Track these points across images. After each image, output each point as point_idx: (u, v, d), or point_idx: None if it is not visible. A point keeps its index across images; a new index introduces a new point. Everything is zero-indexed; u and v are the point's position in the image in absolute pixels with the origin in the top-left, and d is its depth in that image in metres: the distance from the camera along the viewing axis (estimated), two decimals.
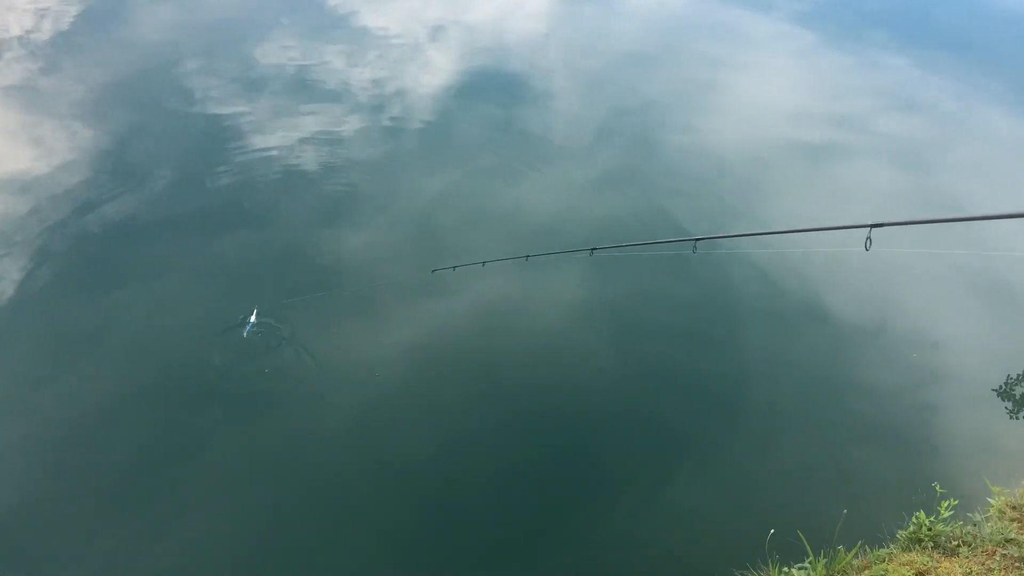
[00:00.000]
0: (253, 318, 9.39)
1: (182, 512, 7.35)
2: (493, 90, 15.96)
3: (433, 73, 16.35)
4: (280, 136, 13.53)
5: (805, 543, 5.32)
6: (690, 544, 7.24)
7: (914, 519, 5.34)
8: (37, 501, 7.40)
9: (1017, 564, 4.89)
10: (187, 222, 11.22)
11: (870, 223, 4.86)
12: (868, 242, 4.85)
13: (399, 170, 13.01)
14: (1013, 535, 5.12)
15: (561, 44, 18.57)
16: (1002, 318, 10.26)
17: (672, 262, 10.85)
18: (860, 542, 5.38)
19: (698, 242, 6.53)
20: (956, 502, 5.31)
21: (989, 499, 5.71)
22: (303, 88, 15.28)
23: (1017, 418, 8.69)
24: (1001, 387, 9.06)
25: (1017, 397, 8.94)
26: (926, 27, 20.04)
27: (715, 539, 7.17)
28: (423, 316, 9.89)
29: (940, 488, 5.38)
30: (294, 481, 7.75)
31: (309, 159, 12.94)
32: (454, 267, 9.62)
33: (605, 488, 7.78)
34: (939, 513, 5.31)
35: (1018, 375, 9.16)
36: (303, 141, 13.43)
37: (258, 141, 13.33)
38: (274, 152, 13.05)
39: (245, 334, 9.30)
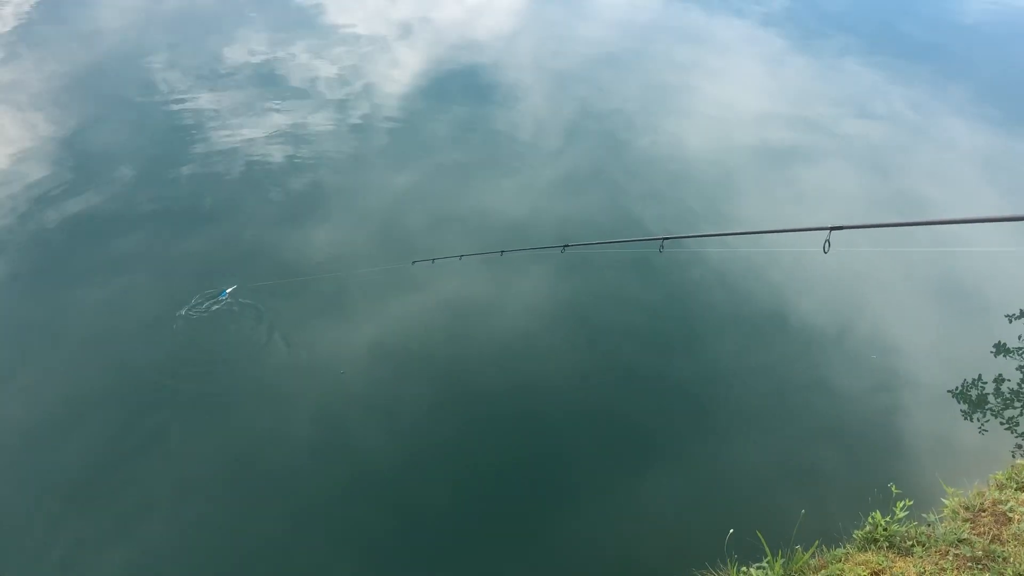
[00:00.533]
0: (230, 290, 9.38)
1: (143, 512, 7.27)
2: (461, 89, 15.97)
3: (401, 71, 16.32)
4: (246, 131, 13.45)
5: (764, 543, 5.38)
6: (651, 544, 7.28)
7: (870, 519, 5.41)
8: None
9: (969, 564, 4.98)
10: (150, 217, 11.11)
11: (829, 226, 4.94)
12: (827, 244, 4.93)
13: (366, 167, 12.97)
14: (965, 535, 5.21)
15: (529, 44, 18.61)
16: (958, 321, 10.43)
17: (638, 264, 10.93)
18: (817, 542, 5.45)
19: (665, 241, 6.61)
20: (911, 502, 5.39)
21: (943, 499, 5.81)
22: (270, 83, 15.19)
23: (971, 420, 8.84)
24: (957, 389, 9.22)
25: (973, 399, 9.10)
26: (889, 34, 20.33)
27: (675, 539, 7.23)
28: (389, 315, 9.87)
29: (896, 488, 5.47)
30: (257, 480, 7.70)
31: (275, 155, 12.87)
32: (412, 261, 9.73)
33: (568, 488, 7.80)
34: (894, 513, 5.40)
35: (973, 379, 9.33)
36: (269, 137, 13.35)
37: (223, 136, 13.23)
38: (240, 147, 12.96)
39: (221, 297, 9.28)
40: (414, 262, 9.93)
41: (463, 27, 19.19)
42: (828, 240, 4.90)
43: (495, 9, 20.70)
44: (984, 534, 5.23)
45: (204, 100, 14.35)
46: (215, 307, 9.59)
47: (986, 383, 9.27)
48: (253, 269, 10.30)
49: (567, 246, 7.94)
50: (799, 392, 9.17)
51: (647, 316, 10.29)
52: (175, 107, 14.04)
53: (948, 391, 9.21)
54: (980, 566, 4.94)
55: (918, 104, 16.51)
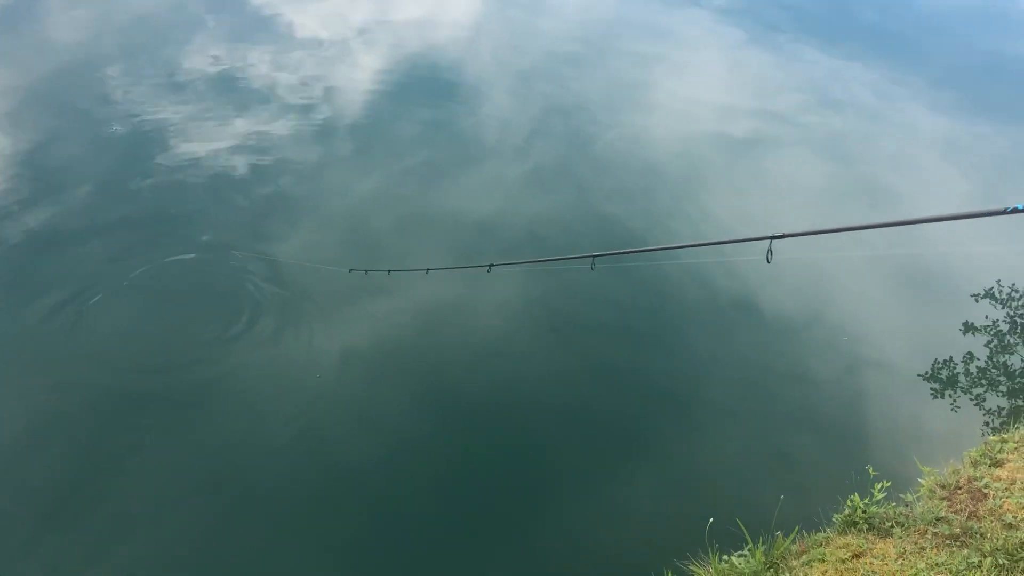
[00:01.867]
0: None
1: (119, 531, 7.09)
2: (424, 90, 15.87)
3: (363, 74, 16.20)
4: (208, 140, 13.26)
5: (744, 531, 5.39)
6: (632, 538, 7.26)
7: (849, 502, 5.43)
8: None
9: (948, 542, 5.01)
10: (111, 230, 10.92)
11: (770, 235, 4.92)
12: (769, 254, 4.90)
13: (332, 172, 12.84)
14: (943, 514, 5.24)
15: (490, 44, 18.56)
16: (924, 305, 10.53)
17: (604, 259, 10.89)
18: (797, 527, 5.46)
19: (596, 258, 6.56)
20: (888, 484, 5.42)
21: (920, 479, 5.85)
22: (230, 91, 15.01)
23: (943, 398, 8.94)
24: (927, 372, 9.32)
25: (943, 379, 9.19)
26: (846, 23, 20.55)
27: (656, 531, 7.20)
28: (362, 319, 9.79)
29: (873, 471, 5.49)
30: (235, 491, 7.56)
31: (239, 163, 12.70)
32: (389, 271, 9.64)
33: (548, 487, 7.77)
34: (873, 495, 5.42)
35: (944, 360, 9.43)
36: (232, 145, 13.17)
37: (184, 146, 13.04)
38: (202, 156, 12.78)
39: None
40: (367, 271, 9.89)
41: (423, 28, 19.09)
42: (770, 249, 4.89)
43: (455, 10, 20.62)
44: (961, 511, 5.27)
45: (163, 110, 14.12)
46: (184, 316, 9.46)
47: (956, 364, 9.39)
48: (220, 278, 10.18)
49: (492, 265, 7.95)
50: (772, 381, 9.21)
51: (619, 312, 10.29)
52: (134, 118, 13.80)
53: (918, 374, 9.30)
54: (959, 543, 4.97)
55: (878, 91, 16.69)
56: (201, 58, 16.16)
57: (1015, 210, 4.04)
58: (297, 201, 11.93)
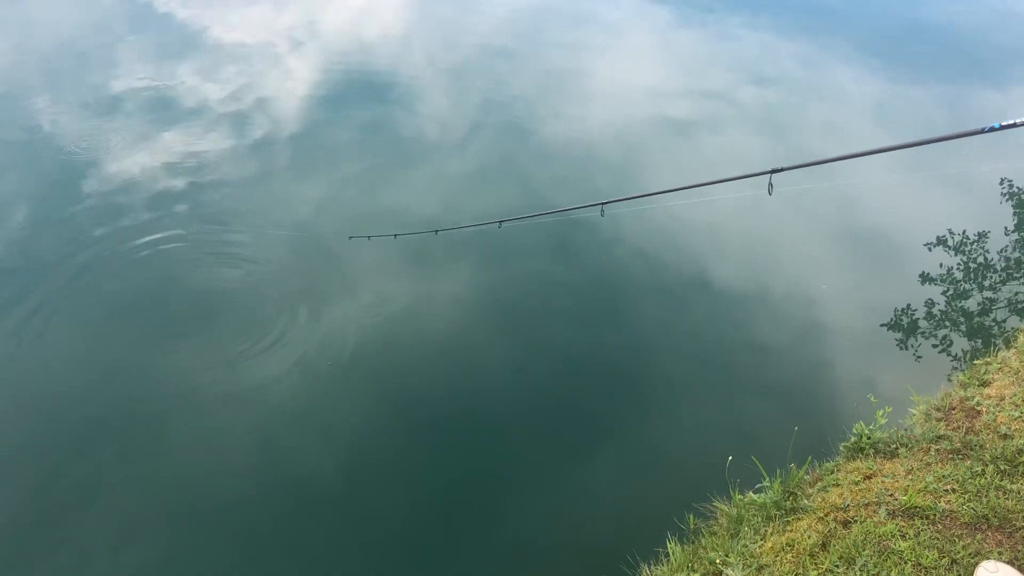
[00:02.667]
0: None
1: (83, 563, 6.92)
2: (359, 94, 15.87)
3: (296, 83, 16.14)
4: (142, 160, 12.96)
5: (760, 466, 5.66)
6: (610, 525, 7.19)
7: (854, 429, 5.74)
8: None
9: (950, 456, 5.34)
10: (46, 260, 10.67)
11: (770, 169, 5.27)
12: (770, 188, 5.24)
13: (272, 182, 12.71)
14: (942, 432, 5.58)
15: (421, 43, 18.66)
16: (882, 260, 10.91)
17: (555, 245, 11.05)
18: (810, 457, 5.75)
19: (606, 205, 6.79)
20: (890, 409, 5.74)
21: (912, 410, 6.19)
22: (161, 109, 14.73)
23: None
24: (890, 320, 9.69)
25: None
26: None
27: (634, 516, 7.08)
28: (312, 326, 9.70)
29: (874, 399, 5.80)
30: (199, 515, 7.40)
31: (176, 181, 12.50)
32: (395, 235, 9.60)
33: (519, 481, 7.70)
34: (876, 421, 5.74)
35: (903, 308, 9.84)
36: (167, 164, 12.91)
37: (117, 168, 12.75)
38: (138, 177, 12.51)
39: None
40: (350, 237, 9.90)
41: (352, 32, 19.09)
42: (771, 183, 5.22)
43: (381, 11, 20.67)
44: (959, 428, 5.61)
45: (93, 133, 13.85)
46: (135, 339, 9.32)
47: (918, 311, 9.79)
48: (168, 300, 10.07)
49: (503, 221, 8.05)
50: (741, 350, 9.40)
51: (571, 297, 10.39)
52: (63, 143, 13.54)
53: (883, 324, 9.63)
54: (960, 456, 5.31)
55: (807, 62, 17.30)
56: (129, 78, 15.88)
57: (992, 129, 4.37)
58: (238, 215, 11.81)
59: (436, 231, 9.37)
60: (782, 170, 5.25)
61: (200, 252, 10.98)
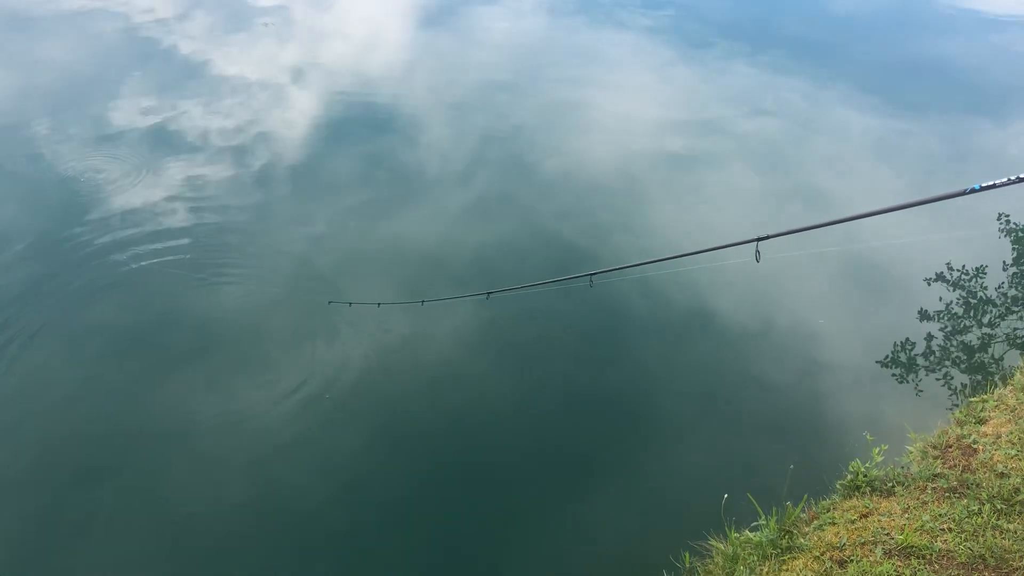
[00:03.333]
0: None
1: None
2: (361, 127, 15.95)
3: (298, 115, 16.26)
4: (144, 192, 13.03)
5: (755, 503, 5.64)
6: (611, 561, 7.21)
7: (850, 467, 5.73)
8: None
9: (947, 494, 5.33)
10: (50, 289, 10.72)
11: (756, 237, 5.29)
12: (757, 255, 5.28)
13: (274, 215, 12.76)
14: (939, 470, 5.57)
15: (423, 77, 18.78)
16: (881, 300, 10.91)
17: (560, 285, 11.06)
18: (806, 496, 5.74)
19: (593, 276, 6.83)
20: (886, 447, 5.73)
21: (908, 447, 6.19)
22: (163, 141, 14.83)
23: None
24: (886, 357, 9.67)
25: (906, 363, 9.58)
26: (769, 33, 21.31)
27: (634, 552, 7.09)
28: (312, 361, 9.66)
29: (870, 436, 5.80)
30: (196, 553, 7.35)
31: (178, 213, 12.58)
32: (379, 304, 9.70)
33: (519, 520, 7.66)
34: (872, 459, 5.73)
35: (901, 343, 9.82)
36: (170, 196, 12.97)
37: (121, 200, 12.84)
38: (140, 209, 12.55)
39: None
40: (330, 302, 10.01)
41: (355, 66, 19.24)
42: (758, 250, 5.26)
43: (384, 46, 20.84)
44: (955, 466, 5.60)
45: (96, 165, 13.94)
46: (126, 376, 9.31)
47: (917, 347, 9.77)
48: (168, 332, 10.06)
49: (491, 293, 8.07)
50: (738, 388, 9.36)
51: (574, 336, 10.35)
52: (66, 175, 13.60)
53: (878, 361, 9.60)
54: (957, 494, 5.30)
55: (807, 97, 17.38)
56: (131, 111, 16.04)
57: (972, 191, 4.43)
58: (240, 247, 11.85)
59: (423, 301, 9.42)
60: (768, 237, 5.27)
61: (198, 282, 11.04)
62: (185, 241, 11.96)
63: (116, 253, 11.57)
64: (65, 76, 17.92)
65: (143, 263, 11.40)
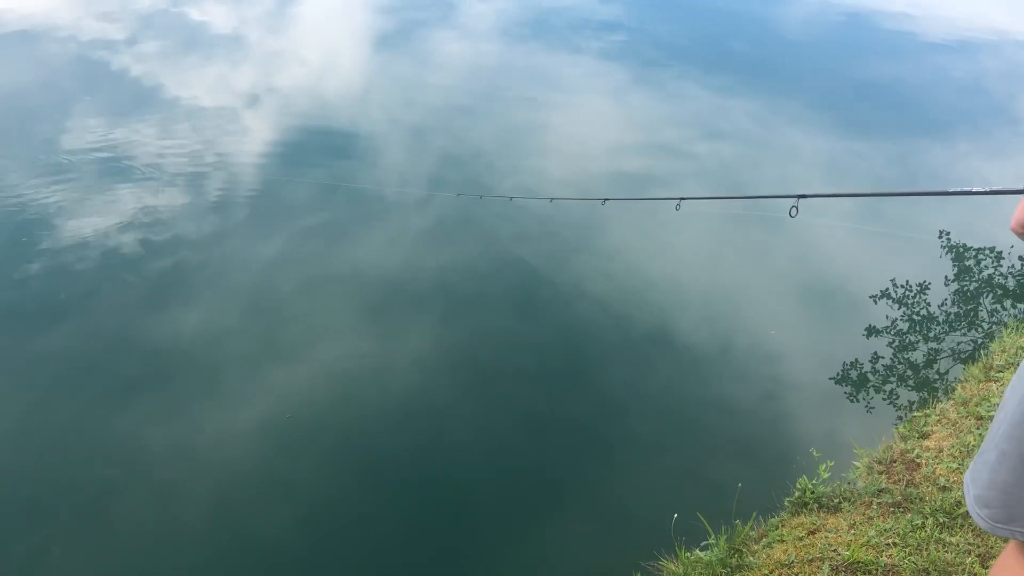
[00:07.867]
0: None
1: None
2: (318, 151, 15.83)
3: (254, 141, 16.10)
4: (95, 220, 12.67)
5: (705, 523, 5.69)
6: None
7: (798, 484, 5.81)
8: None
9: (892, 509, 5.42)
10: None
11: (797, 194, 5.48)
12: (794, 210, 5.45)
13: (230, 241, 12.52)
14: (884, 485, 5.67)
15: (380, 100, 18.79)
16: (830, 316, 11.11)
17: (517, 304, 11.08)
18: (755, 513, 5.80)
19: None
20: (832, 463, 5.83)
21: (855, 463, 6.29)
22: (114, 167, 14.53)
23: (856, 396, 9.47)
24: (837, 374, 9.82)
25: (855, 380, 9.73)
26: (721, 55, 21.75)
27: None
28: (271, 387, 9.46)
29: (816, 452, 5.89)
30: None
31: (130, 241, 12.29)
32: (511, 198, 9.32)
33: (483, 545, 7.57)
34: (819, 475, 5.82)
35: (851, 361, 9.98)
36: (122, 223, 12.70)
37: (70, 227, 12.49)
38: (91, 237, 12.21)
39: None
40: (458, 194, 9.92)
41: (310, 90, 19.17)
42: (796, 206, 5.43)
43: (340, 70, 20.82)
44: (899, 481, 5.70)
45: (45, 193, 13.62)
46: (79, 408, 9.04)
47: (863, 364, 9.94)
48: (119, 361, 9.77)
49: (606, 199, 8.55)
50: (688, 405, 9.38)
51: (535, 357, 10.27)
52: (13, 203, 13.36)
53: (830, 377, 9.74)
54: (901, 509, 5.39)
55: (759, 119, 17.70)
56: (81, 136, 15.73)
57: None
58: (195, 275, 11.63)
59: (551, 199, 9.11)
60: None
61: (151, 307, 10.84)
62: (137, 267, 11.77)
63: (66, 283, 11.32)
64: (7, 100, 17.65)
65: (94, 292, 11.20)
